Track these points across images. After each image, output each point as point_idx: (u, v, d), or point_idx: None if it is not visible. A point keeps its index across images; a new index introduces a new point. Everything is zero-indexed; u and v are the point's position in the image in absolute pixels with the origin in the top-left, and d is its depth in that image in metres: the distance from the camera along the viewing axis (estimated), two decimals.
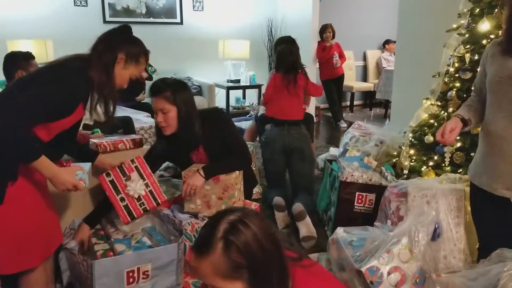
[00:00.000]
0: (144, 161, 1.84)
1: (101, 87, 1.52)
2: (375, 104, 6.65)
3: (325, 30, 5.39)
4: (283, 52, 3.03)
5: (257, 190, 3.03)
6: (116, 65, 1.54)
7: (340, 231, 1.96)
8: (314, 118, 3.25)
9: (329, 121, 5.84)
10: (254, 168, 3.12)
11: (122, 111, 3.90)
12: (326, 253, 2.04)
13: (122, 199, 1.79)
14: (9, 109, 1.34)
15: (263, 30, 5.90)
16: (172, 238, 1.95)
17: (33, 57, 2.55)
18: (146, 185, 1.81)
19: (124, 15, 4.95)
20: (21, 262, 1.49)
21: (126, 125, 3.70)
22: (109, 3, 4.85)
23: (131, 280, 1.71)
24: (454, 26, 2.40)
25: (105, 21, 4.83)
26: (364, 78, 6.93)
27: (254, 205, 2.15)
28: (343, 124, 5.50)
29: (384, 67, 6.33)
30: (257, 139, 3.64)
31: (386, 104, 6.00)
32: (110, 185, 1.79)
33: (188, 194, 1.95)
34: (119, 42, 1.55)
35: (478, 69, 1.59)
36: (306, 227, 2.48)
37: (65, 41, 4.44)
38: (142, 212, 1.82)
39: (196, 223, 1.94)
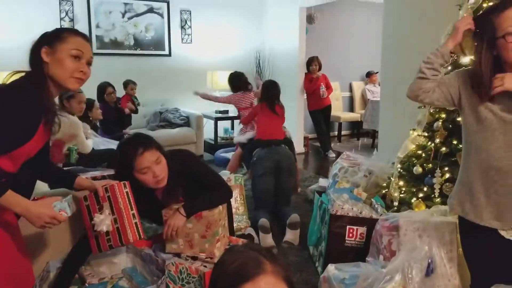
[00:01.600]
0: (124, 189, 1.65)
1: (39, 86, 1.39)
2: (362, 133, 6.72)
3: (312, 63, 5.49)
4: (270, 85, 3.72)
5: (245, 224, 2.96)
6: (47, 59, 1.41)
7: (331, 268, 1.90)
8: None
9: (317, 151, 5.84)
10: (242, 201, 3.08)
11: (107, 143, 3.84)
12: None
13: (94, 230, 1.64)
14: None
15: (251, 61, 5.98)
16: (155, 279, 1.85)
17: None
18: (115, 221, 1.61)
19: (112, 47, 4.97)
20: None
21: (110, 158, 3.63)
22: (96, 35, 4.87)
23: None
24: None
25: (93, 54, 4.83)
26: (351, 108, 7.03)
27: (241, 242, 2.07)
28: (332, 154, 5.51)
29: (369, 98, 6.44)
30: (243, 166, 3.77)
31: (373, 134, 6.05)
32: (86, 210, 1.65)
33: (169, 235, 1.85)
34: (38, 44, 1.43)
35: (449, 77, 1.48)
36: (294, 236, 2.81)
37: None
38: (108, 248, 1.65)
39: (180, 264, 1.84)
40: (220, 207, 1.94)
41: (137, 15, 5.11)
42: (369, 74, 6.83)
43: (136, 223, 1.65)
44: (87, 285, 1.78)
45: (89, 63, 1.46)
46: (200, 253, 1.90)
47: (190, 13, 5.53)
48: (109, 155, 3.63)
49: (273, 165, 3.19)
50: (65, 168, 2.17)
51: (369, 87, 6.78)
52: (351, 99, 7.04)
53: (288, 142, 3.56)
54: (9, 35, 4.32)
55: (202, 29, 5.63)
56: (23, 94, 1.34)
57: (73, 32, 1.47)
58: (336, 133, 6.70)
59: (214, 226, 1.89)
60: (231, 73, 4.41)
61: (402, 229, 1.92)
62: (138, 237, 1.65)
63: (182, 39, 5.50)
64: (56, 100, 1.60)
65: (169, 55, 5.39)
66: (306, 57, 5.57)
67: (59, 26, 4.56)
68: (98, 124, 4.02)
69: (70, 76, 1.41)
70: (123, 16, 5.02)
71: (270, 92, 3.62)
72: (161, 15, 5.29)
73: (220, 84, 5.27)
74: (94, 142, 3.57)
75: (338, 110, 6.64)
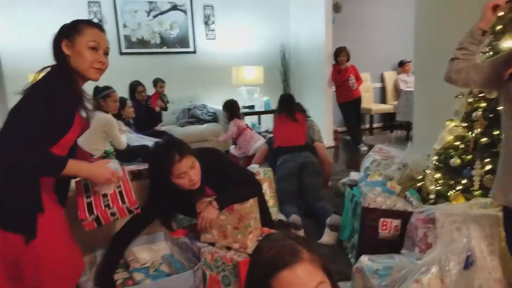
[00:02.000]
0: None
1: (67, 81, 1.46)
2: (395, 126, 6.53)
3: (340, 53, 5.37)
4: (287, 96, 3.83)
5: (275, 217, 2.96)
6: (68, 52, 1.47)
7: (364, 259, 1.87)
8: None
9: (348, 145, 5.74)
10: (271, 194, 3.07)
11: (141, 139, 3.94)
12: (350, 282, 1.93)
13: (88, 197, 1.63)
14: (16, 139, 1.30)
15: (276, 55, 5.94)
16: (191, 266, 1.91)
17: None
18: (117, 187, 1.65)
19: (139, 46, 5.07)
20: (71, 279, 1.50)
21: (145, 153, 3.72)
22: (124, 35, 4.98)
23: None
24: None
25: (121, 53, 4.96)
26: (383, 100, 6.85)
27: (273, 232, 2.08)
28: (363, 147, 5.40)
29: (402, 89, 6.25)
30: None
31: (407, 126, 5.87)
32: (82, 187, 1.66)
33: (203, 227, 1.90)
34: (57, 38, 1.50)
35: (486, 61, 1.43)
36: (331, 238, 2.71)
37: None
38: (104, 208, 1.59)
39: (215, 252, 1.89)
40: (251, 200, 1.97)
41: (161, 13, 5.17)
42: (402, 64, 6.62)
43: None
44: (131, 269, 1.84)
45: (106, 53, 1.53)
46: (233, 244, 1.93)
47: (213, 8, 5.54)
48: (143, 150, 3.73)
49: (296, 166, 3.22)
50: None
51: (402, 77, 6.58)
52: (383, 90, 6.85)
53: (310, 148, 3.51)
54: (39, 40, 4.49)
55: (226, 24, 5.63)
56: (55, 86, 1.40)
57: (89, 23, 1.53)
58: (367, 126, 6.55)
59: (246, 219, 1.91)
60: (226, 101, 4.32)
61: (439, 222, 1.86)
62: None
63: (206, 35, 5.53)
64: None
65: (194, 52, 5.44)
66: (333, 48, 5.46)
67: None
68: (131, 121, 4.13)
69: (90, 67, 1.47)
70: (148, 15, 5.10)
71: (289, 101, 3.66)
72: (185, 12, 5.33)
73: (246, 79, 5.28)
74: (128, 138, 3.68)
75: (369, 102, 6.49)
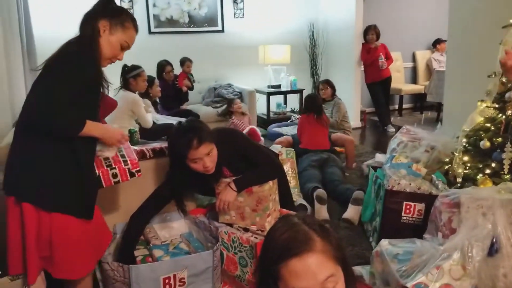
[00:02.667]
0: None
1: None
2: (426, 107, 6.32)
3: (368, 32, 5.20)
4: (314, 97, 3.80)
5: (297, 197, 2.96)
6: (102, 34, 1.51)
7: (385, 243, 1.84)
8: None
9: (375, 126, 5.62)
10: (294, 175, 3.07)
11: (166, 119, 4.01)
12: (369, 266, 1.92)
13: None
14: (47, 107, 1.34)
15: (305, 34, 5.82)
16: (209, 245, 1.94)
17: None
18: (119, 151, 1.68)
19: (168, 25, 5.08)
20: (85, 267, 1.56)
21: (170, 131, 3.79)
22: (153, 15, 4.99)
23: (167, 286, 1.72)
24: (511, 21, 2.19)
25: (150, 32, 4.98)
26: (414, 80, 6.61)
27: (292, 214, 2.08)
28: (391, 129, 5.27)
29: (435, 68, 6.00)
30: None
31: (438, 107, 5.66)
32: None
33: (222, 209, 1.92)
34: (99, 12, 1.53)
35: None
36: (355, 212, 2.72)
37: None
38: (106, 168, 1.62)
39: (232, 233, 1.90)
40: (271, 183, 1.96)
41: None
42: (437, 42, 6.32)
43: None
44: (151, 245, 1.90)
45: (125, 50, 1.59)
46: (251, 226, 1.94)
47: None
48: (168, 128, 3.79)
49: (319, 160, 3.35)
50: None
51: (436, 56, 6.30)
52: (414, 70, 6.60)
53: (334, 152, 3.63)
54: (74, 20, 4.58)
55: (254, 3, 5.54)
56: (85, 59, 1.44)
57: (134, 25, 1.60)
58: (396, 106, 6.36)
59: (265, 201, 1.92)
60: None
61: (464, 206, 1.79)
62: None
63: (235, 14, 5.46)
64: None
65: (222, 31, 5.40)
66: (363, 26, 5.28)
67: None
68: (157, 100, 4.19)
69: (108, 58, 1.54)
70: None
71: (316, 103, 3.64)
72: None
73: (272, 58, 5.21)
74: (154, 118, 3.74)
75: (400, 82, 6.28)
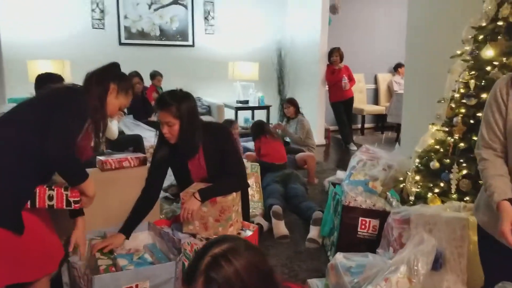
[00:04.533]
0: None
1: (94, 112, 1.64)
2: (387, 127, 6.61)
3: (333, 54, 5.44)
4: (261, 123, 4.05)
5: (260, 211, 3.02)
6: (108, 94, 1.69)
7: (339, 256, 1.92)
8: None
9: (339, 144, 5.81)
10: (257, 189, 3.13)
11: (135, 126, 4.00)
12: (325, 278, 1.99)
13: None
14: (56, 135, 1.45)
15: (273, 52, 5.98)
16: (171, 256, 1.95)
17: (63, 79, 2.75)
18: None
19: (139, 38, 5.10)
20: (45, 266, 1.59)
21: (137, 143, 3.77)
22: (124, 26, 5.00)
23: None
24: (458, 52, 2.39)
25: (120, 43, 4.98)
26: (376, 101, 6.91)
27: (252, 227, 2.13)
28: (353, 147, 5.47)
29: (395, 91, 6.32)
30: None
31: (398, 128, 5.93)
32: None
33: (186, 217, 1.96)
34: (110, 75, 1.72)
35: (486, 115, 1.35)
36: (317, 233, 2.75)
37: (82, 61, 4.54)
38: (45, 187, 1.57)
39: (195, 244, 1.93)
40: (234, 194, 2.01)
41: (163, 6, 5.21)
42: (398, 66, 6.67)
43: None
44: (115, 254, 1.88)
45: None
46: (214, 236, 1.97)
47: (213, 4, 5.58)
48: (135, 140, 3.78)
49: (281, 175, 3.46)
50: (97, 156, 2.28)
51: (397, 79, 6.64)
52: (376, 92, 6.92)
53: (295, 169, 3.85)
54: (43, 26, 4.52)
55: (225, 20, 5.68)
56: (83, 97, 1.61)
57: (134, 93, 1.86)
58: (359, 126, 6.62)
59: (228, 212, 1.96)
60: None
61: (413, 223, 1.92)
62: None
63: (205, 30, 5.57)
64: None
65: (193, 45, 5.47)
66: (328, 48, 5.51)
67: (90, 17, 4.76)
68: (125, 111, 4.16)
69: (109, 115, 1.74)
70: (149, 8, 5.13)
71: (264, 128, 3.88)
72: (185, 7, 5.37)
73: (241, 74, 5.34)
74: (124, 122, 3.73)
75: (362, 103, 6.56)
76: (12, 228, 1.46)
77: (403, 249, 1.72)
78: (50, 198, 1.54)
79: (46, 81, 2.61)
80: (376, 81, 6.88)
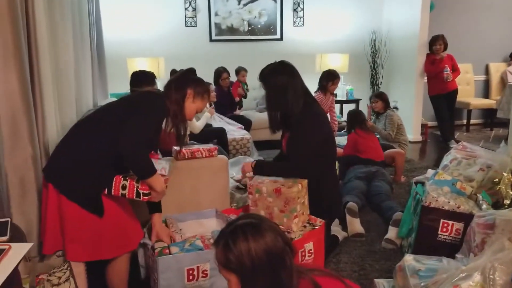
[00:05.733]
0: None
1: (174, 117, 1.80)
2: (497, 123, 5.84)
3: (436, 42, 4.95)
4: (358, 113, 3.83)
5: None
6: (186, 99, 1.82)
7: (409, 258, 1.80)
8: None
9: (438, 141, 5.32)
10: None
11: (220, 119, 4.21)
12: (393, 280, 1.87)
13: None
14: (131, 136, 1.63)
15: (366, 42, 5.71)
16: None
17: (155, 77, 3.05)
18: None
19: (228, 34, 5.31)
20: (123, 245, 1.78)
21: (220, 136, 3.97)
22: (215, 23, 5.25)
23: (191, 277, 1.84)
24: None
25: (211, 40, 5.24)
26: (486, 94, 6.15)
27: (319, 222, 2.09)
28: (454, 144, 4.95)
29: (509, 82, 5.53)
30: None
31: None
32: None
33: (242, 178, 2.08)
34: (187, 81, 1.85)
35: None
36: (394, 233, 2.61)
37: (175, 58, 4.92)
38: (120, 176, 1.75)
39: None
40: (300, 186, 2.01)
41: (252, 1, 5.32)
42: None
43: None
44: (171, 243, 1.98)
45: None
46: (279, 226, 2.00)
47: None
48: (219, 133, 3.98)
49: (367, 172, 3.30)
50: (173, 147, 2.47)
51: None
52: (487, 83, 6.14)
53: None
54: (141, 26, 5.00)
55: (315, 11, 5.57)
56: (161, 101, 1.78)
57: (209, 96, 1.97)
58: (464, 121, 5.96)
59: (292, 203, 1.97)
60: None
61: (498, 228, 1.69)
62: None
63: (294, 22, 5.54)
64: None
65: (281, 39, 5.51)
66: (429, 36, 5.05)
67: (183, 15, 5.11)
68: (212, 105, 4.41)
69: (187, 118, 1.88)
70: (239, 3, 5.30)
71: (358, 117, 3.66)
72: (274, 0, 5.41)
73: (329, 66, 5.19)
74: (213, 117, 3.98)
75: (469, 96, 5.89)
76: (94, 211, 1.67)
77: (480, 255, 1.53)
78: (124, 187, 1.70)
79: (140, 78, 2.90)
80: (487, 71, 6.10)
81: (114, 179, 1.71)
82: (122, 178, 1.72)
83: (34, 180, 1.79)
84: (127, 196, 1.72)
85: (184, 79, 1.87)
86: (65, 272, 1.71)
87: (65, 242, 1.69)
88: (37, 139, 1.83)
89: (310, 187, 2.10)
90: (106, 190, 1.70)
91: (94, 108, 2.99)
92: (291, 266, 0.99)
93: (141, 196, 1.71)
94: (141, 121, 1.67)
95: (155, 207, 1.98)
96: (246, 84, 4.98)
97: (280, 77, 2.17)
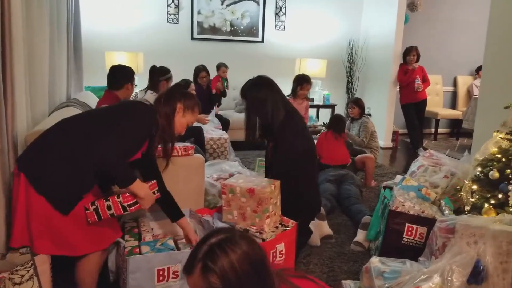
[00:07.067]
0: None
1: (163, 132, 1.80)
2: (463, 133, 6.13)
3: (409, 53, 5.17)
4: (338, 118, 3.91)
5: None
6: (176, 114, 1.82)
7: (375, 260, 1.89)
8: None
9: (407, 148, 5.53)
10: None
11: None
12: (359, 281, 1.97)
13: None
14: (108, 146, 1.61)
15: (343, 49, 5.87)
16: None
17: (134, 73, 2.94)
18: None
19: (210, 33, 5.34)
20: (95, 243, 1.75)
21: (197, 135, 3.98)
22: (197, 21, 5.27)
23: (161, 278, 1.83)
24: None
25: (192, 38, 5.25)
26: (453, 105, 6.44)
27: (291, 223, 2.16)
28: (422, 152, 5.16)
29: (475, 95, 5.82)
30: None
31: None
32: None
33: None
34: (176, 94, 1.86)
35: None
36: (363, 237, 2.69)
37: (155, 54, 4.89)
38: (102, 199, 1.72)
39: None
40: (272, 186, 2.07)
41: (235, 2, 5.38)
42: (480, 69, 6.13)
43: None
44: (141, 242, 1.97)
45: None
46: (251, 227, 2.05)
47: (286, 0, 5.61)
48: (196, 132, 3.98)
49: (337, 175, 3.44)
50: None
51: (478, 83, 6.10)
52: (454, 95, 6.44)
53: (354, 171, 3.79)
54: (121, 19, 4.92)
55: (296, 16, 5.69)
56: (149, 115, 1.77)
57: (200, 110, 1.96)
58: (432, 130, 6.23)
59: (265, 203, 2.02)
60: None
61: (458, 233, 1.80)
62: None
63: (276, 26, 5.63)
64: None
65: (262, 41, 5.58)
66: (402, 48, 5.26)
67: (166, 12, 5.08)
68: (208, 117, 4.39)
69: (177, 133, 1.87)
70: (222, 3, 5.34)
71: (341, 124, 3.80)
72: (257, 2, 5.49)
73: (308, 71, 5.30)
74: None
75: (437, 106, 6.16)
76: (58, 207, 1.63)
77: (440, 258, 1.64)
78: (109, 208, 1.67)
79: (118, 72, 2.83)
80: (455, 83, 6.40)
81: (98, 204, 1.67)
82: (105, 200, 1.68)
83: (0, 174, 1.72)
84: (115, 214, 1.69)
85: (173, 93, 1.87)
86: (28, 270, 1.62)
87: (32, 238, 1.64)
88: (5, 132, 1.76)
89: (289, 189, 2.20)
90: (96, 217, 1.67)
91: (67, 101, 2.93)
92: (271, 270, 0.97)
93: (127, 208, 1.69)
94: (125, 132, 1.67)
95: (175, 214, 2.00)
96: (227, 80, 5.00)
97: (259, 89, 2.27)
